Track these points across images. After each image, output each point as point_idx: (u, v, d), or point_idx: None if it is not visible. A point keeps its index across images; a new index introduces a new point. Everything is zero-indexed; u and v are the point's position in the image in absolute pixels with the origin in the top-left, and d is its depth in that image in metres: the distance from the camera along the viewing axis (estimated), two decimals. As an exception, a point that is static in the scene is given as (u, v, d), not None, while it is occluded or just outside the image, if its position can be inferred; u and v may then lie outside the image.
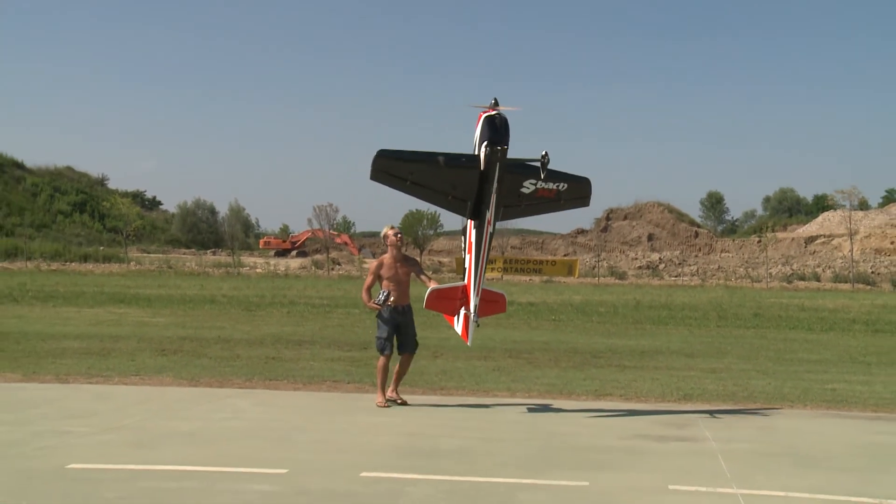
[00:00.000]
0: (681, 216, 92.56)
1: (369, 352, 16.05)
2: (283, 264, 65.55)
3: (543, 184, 10.57)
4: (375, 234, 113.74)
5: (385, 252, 10.97)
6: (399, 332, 10.73)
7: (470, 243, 10.62)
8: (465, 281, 10.53)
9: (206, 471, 7.40)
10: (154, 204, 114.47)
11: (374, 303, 10.64)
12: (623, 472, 7.71)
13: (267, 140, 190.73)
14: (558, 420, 10.17)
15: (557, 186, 10.71)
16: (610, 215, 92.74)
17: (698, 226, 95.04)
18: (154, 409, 10.26)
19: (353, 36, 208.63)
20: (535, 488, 7.12)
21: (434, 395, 11.60)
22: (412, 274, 10.81)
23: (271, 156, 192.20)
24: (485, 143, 10.13)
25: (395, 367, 10.91)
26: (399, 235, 10.97)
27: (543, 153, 10.16)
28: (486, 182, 10.17)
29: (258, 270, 58.62)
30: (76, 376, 12.55)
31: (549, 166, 10.30)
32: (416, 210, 77.70)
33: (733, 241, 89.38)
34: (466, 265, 10.66)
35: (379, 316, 10.77)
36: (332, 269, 62.14)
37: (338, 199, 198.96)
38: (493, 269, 59.51)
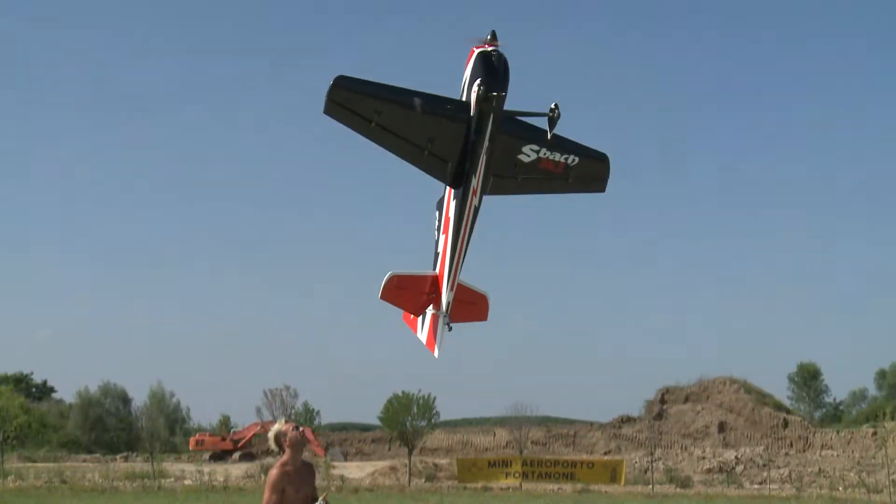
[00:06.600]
0: (762, 397, 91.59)
1: None
2: (221, 472, 65.83)
3: (549, 153, 10.48)
4: (347, 428, 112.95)
5: (281, 456, 10.40)
6: None
7: (447, 219, 10.31)
8: (437, 270, 10.16)
9: None
10: (44, 391, 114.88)
11: None
12: None
13: (201, 302, 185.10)
14: None
15: (566, 160, 10.61)
16: (665, 397, 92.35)
17: (788, 411, 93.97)
18: None
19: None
20: None
21: None
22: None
23: (207, 324, 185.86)
24: (477, 82, 10.03)
25: None
26: (301, 429, 10.59)
27: (553, 105, 9.87)
28: (477, 135, 9.95)
29: (187, 482, 58.86)
30: None
31: (561, 133, 10.10)
32: (404, 393, 68.51)
33: (838, 433, 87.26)
34: (440, 248, 10.30)
35: None
36: (289, 478, 62.14)
37: (296, 380, 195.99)
38: (508, 476, 59.16)
